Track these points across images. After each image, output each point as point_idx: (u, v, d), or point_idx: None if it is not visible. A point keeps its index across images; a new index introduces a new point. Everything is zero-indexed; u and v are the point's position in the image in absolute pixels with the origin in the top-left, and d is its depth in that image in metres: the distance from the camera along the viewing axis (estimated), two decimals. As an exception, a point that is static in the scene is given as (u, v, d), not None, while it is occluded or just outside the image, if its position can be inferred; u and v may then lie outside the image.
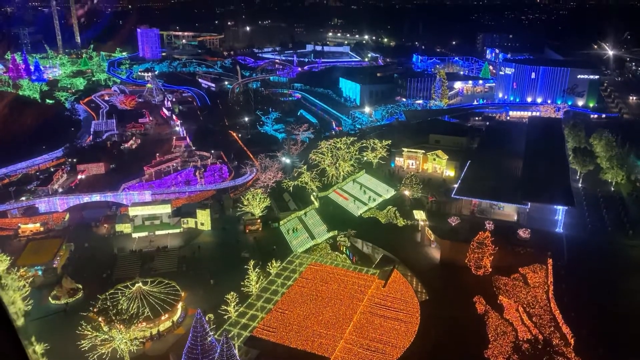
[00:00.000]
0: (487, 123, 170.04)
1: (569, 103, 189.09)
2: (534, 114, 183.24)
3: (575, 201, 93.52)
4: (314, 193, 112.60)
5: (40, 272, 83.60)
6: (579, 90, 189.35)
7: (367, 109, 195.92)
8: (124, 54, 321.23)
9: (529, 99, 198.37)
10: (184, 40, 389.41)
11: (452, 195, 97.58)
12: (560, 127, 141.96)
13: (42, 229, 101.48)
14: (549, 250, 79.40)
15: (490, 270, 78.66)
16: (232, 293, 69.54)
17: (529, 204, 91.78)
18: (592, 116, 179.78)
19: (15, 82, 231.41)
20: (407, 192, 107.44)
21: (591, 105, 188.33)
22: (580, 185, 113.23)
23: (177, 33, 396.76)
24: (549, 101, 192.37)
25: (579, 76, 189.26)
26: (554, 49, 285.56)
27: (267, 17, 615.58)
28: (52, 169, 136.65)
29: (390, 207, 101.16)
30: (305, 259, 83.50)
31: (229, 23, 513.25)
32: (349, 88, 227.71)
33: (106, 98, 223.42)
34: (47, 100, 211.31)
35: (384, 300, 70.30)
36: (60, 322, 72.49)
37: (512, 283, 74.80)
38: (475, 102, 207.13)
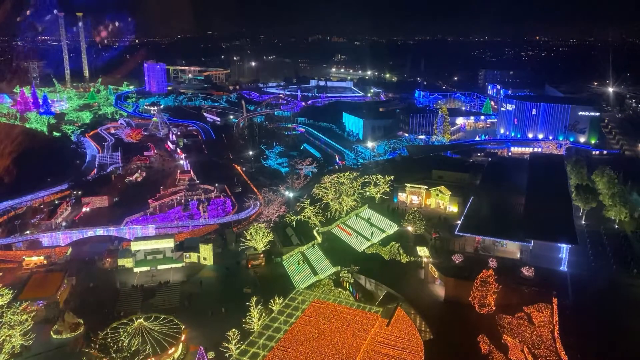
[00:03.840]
0: (489, 159, 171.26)
1: (571, 139, 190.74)
2: (536, 150, 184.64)
3: (578, 239, 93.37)
4: (317, 228, 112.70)
5: (42, 306, 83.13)
6: (580, 126, 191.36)
7: (369, 144, 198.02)
8: (130, 87, 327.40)
9: (530, 135, 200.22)
10: (190, 75, 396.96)
11: (456, 232, 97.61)
12: (563, 163, 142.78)
13: (45, 262, 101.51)
14: (554, 289, 78.83)
15: (494, 308, 77.99)
16: (233, 330, 69.00)
17: (532, 241, 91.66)
18: (593, 153, 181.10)
19: (22, 115, 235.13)
20: (410, 228, 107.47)
21: (592, 141, 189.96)
22: (583, 222, 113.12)
23: (183, 68, 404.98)
24: (550, 137, 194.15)
25: (580, 113, 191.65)
26: (554, 86, 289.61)
27: (272, 53, 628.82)
28: (56, 202, 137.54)
29: (393, 243, 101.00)
30: (308, 296, 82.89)
31: (235, 58, 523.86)
32: (352, 123, 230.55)
33: (112, 131, 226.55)
34: (54, 133, 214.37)
35: (388, 339, 69.53)
36: (62, 358, 71.75)
37: (516, 322, 73.99)
38: (477, 138, 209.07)
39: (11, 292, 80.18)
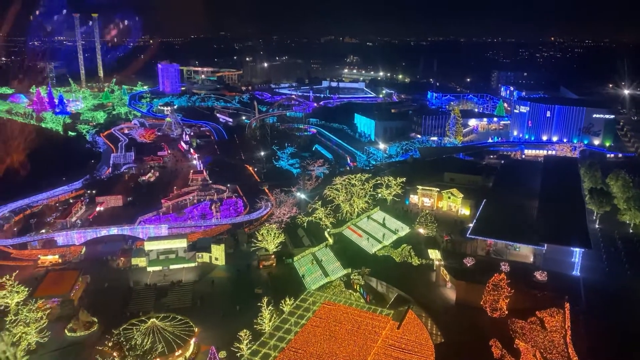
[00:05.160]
0: (502, 161, 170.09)
1: (585, 142, 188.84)
2: (550, 152, 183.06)
3: (592, 243, 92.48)
4: (328, 229, 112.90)
5: (57, 304, 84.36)
6: (594, 129, 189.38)
7: (381, 145, 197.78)
8: (144, 87, 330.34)
9: (544, 138, 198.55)
10: (203, 76, 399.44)
11: (468, 235, 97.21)
12: (577, 166, 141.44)
13: (60, 260, 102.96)
14: (566, 294, 78.19)
15: (506, 312, 77.63)
16: (244, 330, 69.48)
17: (545, 245, 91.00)
18: (608, 156, 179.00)
19: (38, 115, 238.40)
20: (422, 230, 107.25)
21: (607, 144, 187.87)
22: (597, 226, 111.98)
23: (196, 68, 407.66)
24: (564, 140, 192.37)
25: (594, 115, 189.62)
26: (569, 88, 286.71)
27: (284, 53, 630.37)
28: (71, 201, 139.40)
29: (404, 245, 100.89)
30: (319, 297, 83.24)
31: (247, 59, 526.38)
32: (364, 124, 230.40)
33: (126, 131, 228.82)
34: (69, 133, 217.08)
35: (398, 342, 69.56)
36: (76, 355, 72.81)
37: (529, 327, 73.53)
38: (490, 140, 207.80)
39: (27, 289, 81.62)
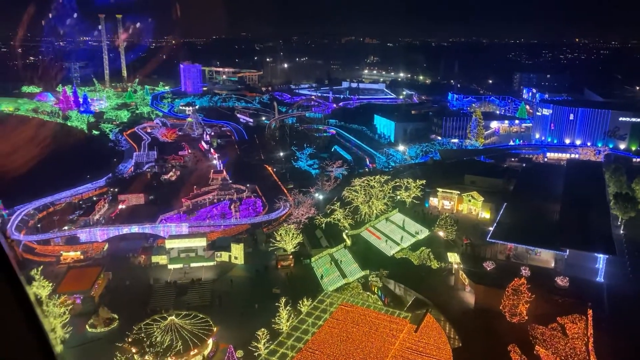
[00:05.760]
0: (524, 164, 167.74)
1: (610, 146, 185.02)
2: (573, 156, 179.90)
3: (616, 249, 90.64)
4: (346, 231, 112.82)
5: (79, 300, 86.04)
6: (620, 133, 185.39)
7: (401, 147, 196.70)
8: (166, 88, 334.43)
9: (567, 141, 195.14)
10: (224, 76, 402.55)
11: (488, 239, 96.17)
12: (601, 170, 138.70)
13: (82, 257, 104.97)
14: (589, 300, 76.81)
15: (526, 318, 76.54)
16: (262, 330, 69.89)
17: (568, 250, 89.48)
18: (634, 160, 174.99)
19: (64, 114, 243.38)
20: (441, 233, 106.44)
21: (633, 148, 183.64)
22: (621, 232, 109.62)
23: (218, 69, 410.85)
24: (588, 144, 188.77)
25: (620, 118, 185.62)
26: (594, 90, 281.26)
27: (305, 54, 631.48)
28: (94, 198, 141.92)
29: (423, 248, 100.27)
30: (336, 299, 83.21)
31: (268, 59, 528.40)
32: (384, 125, 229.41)
33: (148, 130, 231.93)
34: (93, 132, 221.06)
35: (416, 346, 69.12)
36: (97, 351, 74.18)
37: (549, 333, 72.36)
38: (511, 143, 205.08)
39: (50, 285, 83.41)
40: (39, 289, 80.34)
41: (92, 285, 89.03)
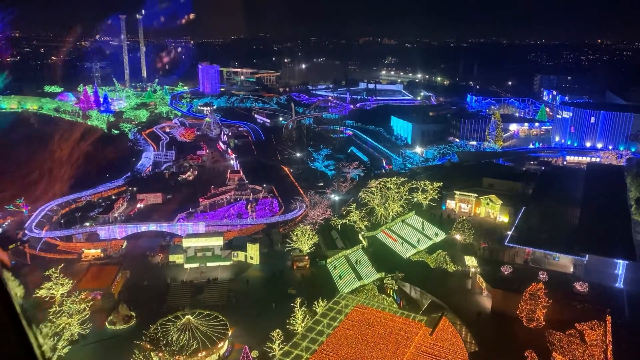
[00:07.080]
0: (543, 168, 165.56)
1: (633, 150, 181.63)
2: (594, 160, 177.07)
3: (637, 255, 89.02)
4: (362, 232, 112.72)
5: (99, 297, 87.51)
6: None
7: (418, 149, 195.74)
8: (185, 88, 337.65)
9: (588, 144, 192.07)
10: (242, 77, 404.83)
11: (505, 243, 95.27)
12: (622, 175, 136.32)
13: (102, 255, 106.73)
14: (608, 306, 75.60)
15: (543, 323, 75.64)
16: (277, 330, 70.24)
17: (587, 255, 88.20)
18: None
19: (85, 113, 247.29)
20: (458, 237, 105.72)
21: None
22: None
23: (236, 70, 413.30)
24: (609, 147, 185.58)
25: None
26: (616, 92, 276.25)
27: (322, 55, 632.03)
28: (113, 197, 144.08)
29: (440, 251, 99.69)
30: (352, 300, 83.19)
31: (285, 60, 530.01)
32: (401, 127, 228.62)
33: (167, 130, 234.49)
34: (113, 131, 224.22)
35: (431, 349, 68.78)
36: (116, 348, 75.36)
37: (567, 339, 71.34)
38: (530, 146, 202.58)
39: (71, 282, 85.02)
40: (56, 287, 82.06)
41: (112, 283, 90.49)
